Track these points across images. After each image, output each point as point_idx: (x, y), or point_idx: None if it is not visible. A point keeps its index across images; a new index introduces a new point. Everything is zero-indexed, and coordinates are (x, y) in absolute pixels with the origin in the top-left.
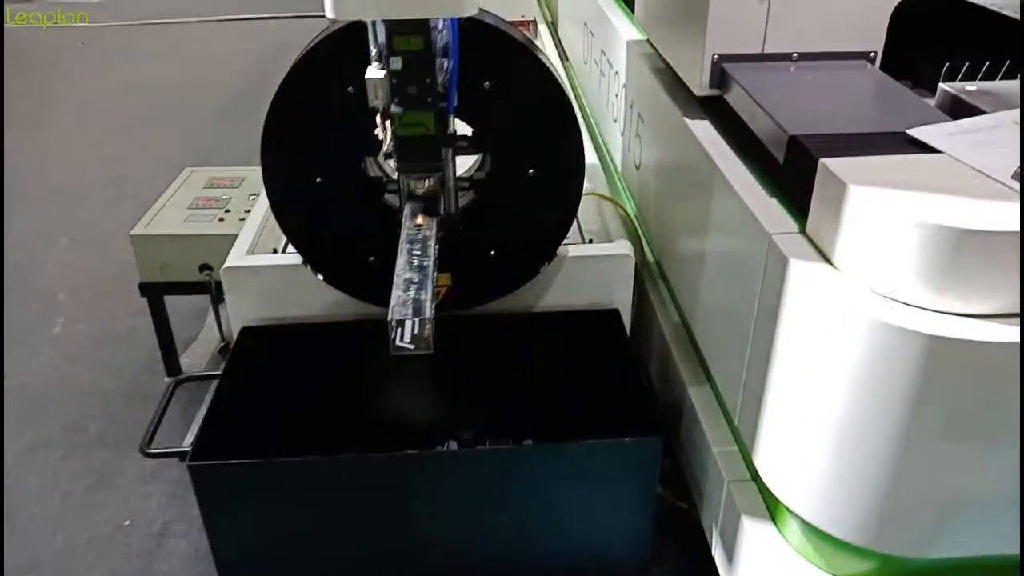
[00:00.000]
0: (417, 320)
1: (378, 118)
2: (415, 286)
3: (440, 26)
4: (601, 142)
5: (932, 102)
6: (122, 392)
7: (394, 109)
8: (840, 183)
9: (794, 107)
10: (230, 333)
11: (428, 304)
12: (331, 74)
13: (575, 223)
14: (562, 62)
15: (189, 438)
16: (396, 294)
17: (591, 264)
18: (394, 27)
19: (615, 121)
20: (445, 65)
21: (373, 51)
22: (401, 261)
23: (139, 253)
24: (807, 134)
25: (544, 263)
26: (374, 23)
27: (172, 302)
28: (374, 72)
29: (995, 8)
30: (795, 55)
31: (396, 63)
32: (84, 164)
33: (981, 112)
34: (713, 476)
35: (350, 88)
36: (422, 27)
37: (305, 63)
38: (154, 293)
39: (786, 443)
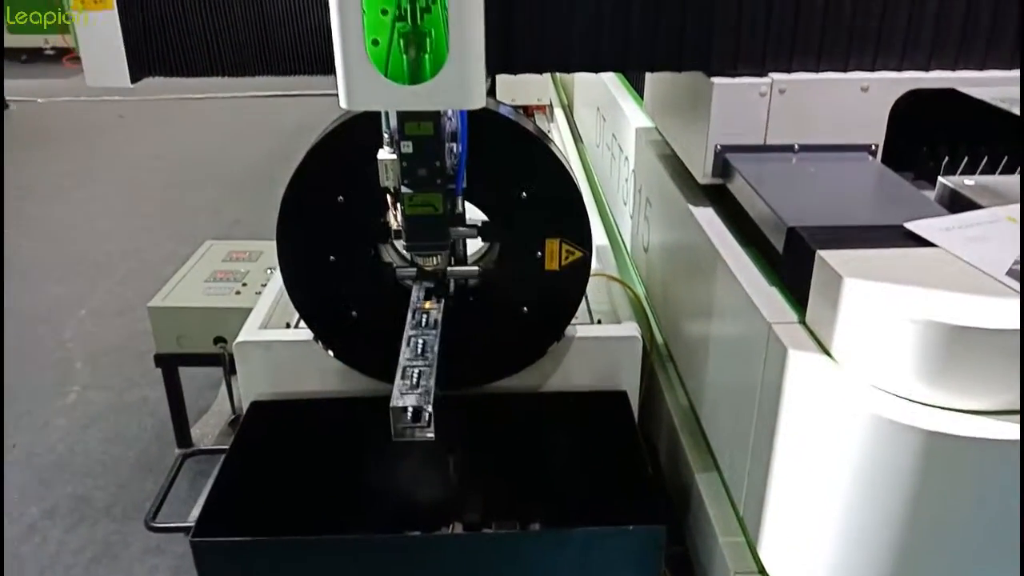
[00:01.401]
0: (419, 407)
1: (388, 197)
2: (418, 373)
3: (450, 113)
4: (612, 223)
5: (932, 195)
6: (132, 463)
7: (404, 190)
8: (836, 276)
9: (794, 198)
10: (241, 406)
11: (431, 391)
12: (346, 158)
13: (584, 303)
14: (576, 144)
15: (195, 512)
16: (399, 381)
17: (599, 345)
18: (406, 113)
19: (625, 204)
20: (455, 149)
21: (385, 134)
22: (405, 347)
23: (156, 325)
24: (806, 225)
25: (552, 342)
26: None
27: (187, 371)
28: (385, 154)
29: (995, 102)
30: (797, 147)
31: (407, 147)
32: (108, 235)
33: (978, 207)
34: (719, 567)
35: (365, 172)
36: (432, 114)
37: (322, 147)
38: (169, 364)
39: (789, 537)
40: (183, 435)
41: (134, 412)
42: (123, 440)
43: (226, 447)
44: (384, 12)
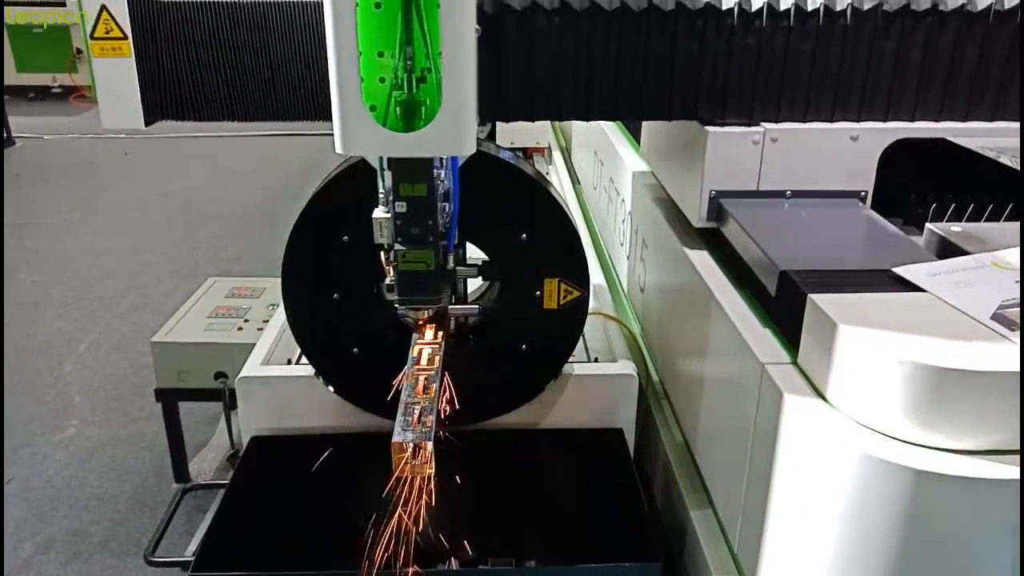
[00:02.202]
0: (420, 443)
1: (382, 254)
2: (420, 409)
3: (443, 175)
4: (609, 263)
5: (920, 241)
6: (129, 497)
7: (397, 247)
8: (828, 319)
9: (786, 243)
10: (240, 441)
11: (432, 428)
12: (350, 200)
13: (581, 341)
14: (574, 185)
15: (192, 546)
16: (400, 417)
17: (595, 383)
18: (400, 175)
19: (622, 244)
20: (447, 208)
21: (380, 194)
22: (407, 383)
23: (158, 359)
24: (797, 270)
25: (550, 380)
26: (382, 169)
27: (184, 406)
28: (380, 213)
29: (982, 151)
30: (789, 193)
31: (401, 207)
32: (110, 270)
33: (965, 253)
34: None
35: (368, 214)
36: (425, 175)
37: (328, 189)
38: (169, 399)
39: (784, 575)
40: (181, 470)
41: (132, 446)
42: (120, 474)
43: (224, 482)
44: (381, 80)
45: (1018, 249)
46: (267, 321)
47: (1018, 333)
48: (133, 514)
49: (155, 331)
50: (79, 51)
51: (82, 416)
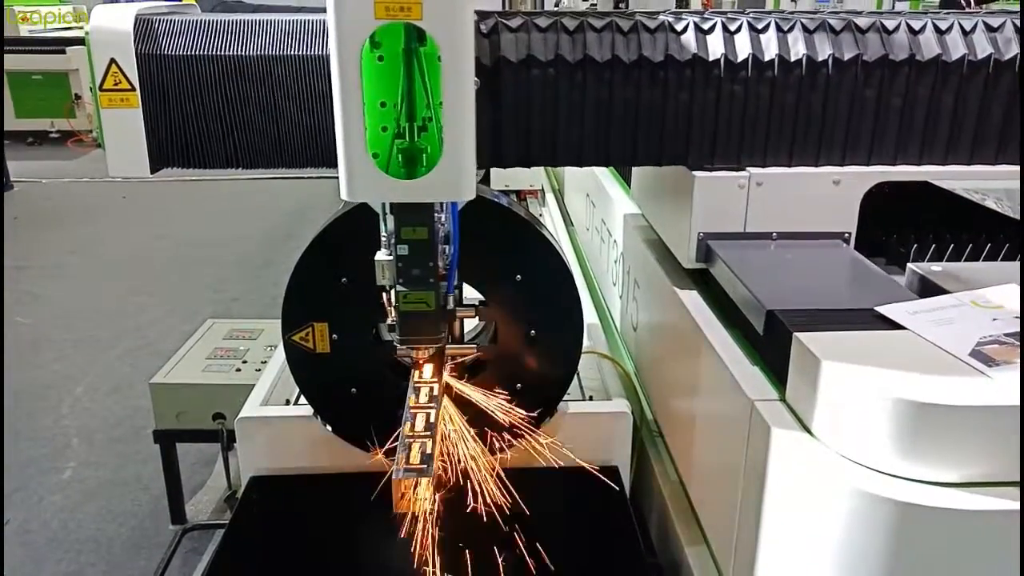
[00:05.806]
0: (420, 479)
1: (384, 295)
2: (420, 445)
3: (443, 218)
4: (602, 302)
5: (902, 280)
6: (126, 540)
7: (399, 288)
8: (813, 357)
9: (772, 283)
10: (238, 481)
11: (431, 464)
12: (350, 244)
13: (576, 380)
14: (567, 227)
15: None
16: (401, 453)
17: (590, 421)
18: (401, 219)
19: (614, 284)
20: (447, 251)
21: (383, 237)
22: (408, 419)
23: (156, 401)
24: (784, 309)
25: (545, 419)
26: (385, 213)
27: (180, 448)
28: (382, 255)
29: (963, 194)
30: (774, 234)
31: (402, 250)
32: (107, 312)
33: (945, 292)
34: None
35: (367, 257)
36: (426, 219)
37: (330, 232)
38: (167, 440)
39: None
40: (178, 511)
41: (128, 489)
42: (117, 517)
43: (222, 522)
44: (384, 129)
45: (997, 288)
46: (265, 362)
47: (997, 369)
48: (130, 557)
49: (152, 373)
50: (78, 97)
51: (79, 458)
